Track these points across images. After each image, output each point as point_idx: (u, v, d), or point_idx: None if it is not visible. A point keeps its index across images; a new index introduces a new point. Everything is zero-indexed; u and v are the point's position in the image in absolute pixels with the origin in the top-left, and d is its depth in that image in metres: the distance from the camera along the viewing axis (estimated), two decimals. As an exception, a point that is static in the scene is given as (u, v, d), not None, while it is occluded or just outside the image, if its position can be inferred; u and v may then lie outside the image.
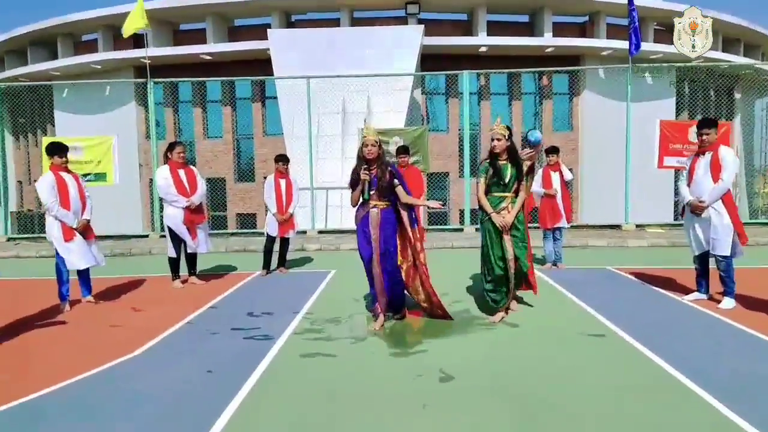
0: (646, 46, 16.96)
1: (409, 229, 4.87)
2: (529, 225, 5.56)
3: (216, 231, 14.02)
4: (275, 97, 17.74)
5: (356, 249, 5.05)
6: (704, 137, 5.26)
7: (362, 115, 15.96)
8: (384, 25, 19.25)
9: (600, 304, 5.59)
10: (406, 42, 17.41)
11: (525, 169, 4.93)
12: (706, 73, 19.85)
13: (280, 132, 17.33)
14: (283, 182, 7.65)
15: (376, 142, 4.74)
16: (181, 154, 6.89)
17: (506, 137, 4.86)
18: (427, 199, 7.89)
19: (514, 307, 5.34)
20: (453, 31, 20.88)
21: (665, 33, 21.27)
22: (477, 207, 5.21)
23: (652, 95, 18.34)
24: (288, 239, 7.87)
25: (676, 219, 19.79)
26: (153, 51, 19.52)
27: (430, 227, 12.60)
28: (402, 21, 20.07)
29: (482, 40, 19.78)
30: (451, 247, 10.25)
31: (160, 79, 13.09)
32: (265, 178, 7.97)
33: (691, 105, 21.76)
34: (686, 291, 6.04)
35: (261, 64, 17.97)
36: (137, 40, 16.82)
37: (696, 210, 5.33)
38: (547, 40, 20.07)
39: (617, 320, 4.96)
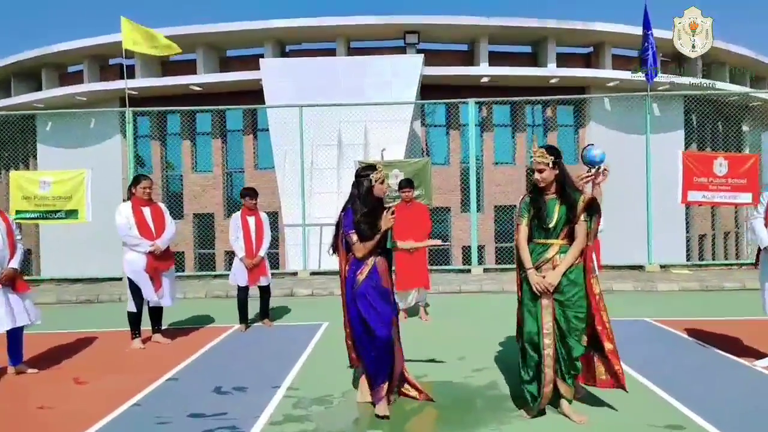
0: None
1: None
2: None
3: (200, 273, 12.92)
4: (267, 130, 16.84)
5: None
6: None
7: (359, 147, 15.03)
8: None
9: (656, 374, 4.45)
10: (406, 71, 16.62)
11: (581, 204, 3.53)
12: (713, 104, 19.18)
13: (272, 166, 16.38)
14: (251, 220, 6.53)
15: None
16: (147, 190, 5.89)
17: (551, 165, 3.55)
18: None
19: (566, 408, 3.62)
20: (453, 62, 20.19)
21: (671, 63, 20.69)
22: (511, 253, 4.03)
23: (661, 127, 17.49)
24: (267, 287, 6.76)
25: (688, 259, 18.94)
26: (141, 82, 18.78)
27: (433, 268, 11.50)
28: (400, 51, 19.37)
29: (484, 70, 19.05)
30: (458, 291, 9.16)
31: (140, 108, 12.17)
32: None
33: (700, 137, 20.99)
34: (751, 352, 4.97)
35: (253, 96, 17.14)
36: (122, 71, 16.01)
37: (778, 257, 4.29)
38: (551, 70, 19.37)
39: (689, 401, 3.82)
